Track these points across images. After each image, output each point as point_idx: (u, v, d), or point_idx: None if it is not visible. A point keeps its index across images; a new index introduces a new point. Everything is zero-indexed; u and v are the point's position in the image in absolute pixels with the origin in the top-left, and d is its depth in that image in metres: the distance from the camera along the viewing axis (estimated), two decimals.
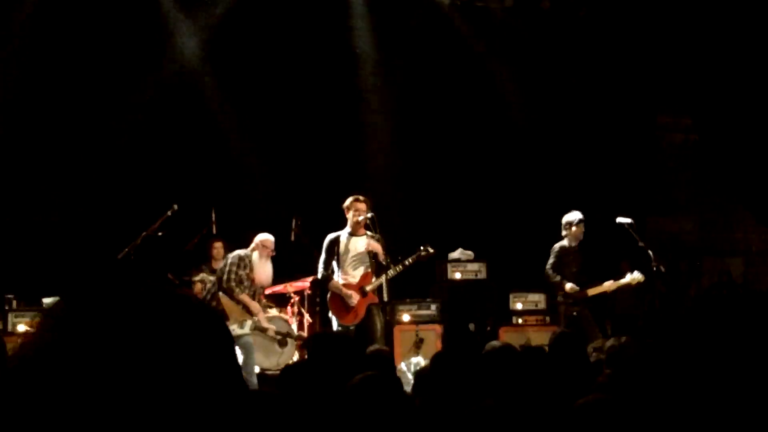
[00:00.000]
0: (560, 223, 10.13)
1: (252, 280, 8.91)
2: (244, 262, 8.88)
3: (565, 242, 10.05)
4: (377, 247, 8.91)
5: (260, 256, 8.93)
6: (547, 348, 5.76)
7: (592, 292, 9.84)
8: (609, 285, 9.90)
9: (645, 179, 14.01)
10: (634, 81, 13.38)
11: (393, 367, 6.56)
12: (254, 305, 8.86)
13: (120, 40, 11.37)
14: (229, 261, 8.89)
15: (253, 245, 8.99)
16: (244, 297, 8.81)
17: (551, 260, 10.05)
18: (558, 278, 9.96)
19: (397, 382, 3.57)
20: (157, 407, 1.05)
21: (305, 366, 4.40)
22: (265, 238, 9.05)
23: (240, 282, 8.83)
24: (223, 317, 1.23)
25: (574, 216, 10.03)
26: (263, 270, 8.97)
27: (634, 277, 9.82)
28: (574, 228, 9.96)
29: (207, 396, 1.09)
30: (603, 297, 10.27)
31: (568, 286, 9.83)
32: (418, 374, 4.88)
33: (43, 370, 1.06)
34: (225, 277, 8.82)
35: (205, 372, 1.10)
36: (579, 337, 5.44)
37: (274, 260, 9.27)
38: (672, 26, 12.77)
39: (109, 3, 11.30)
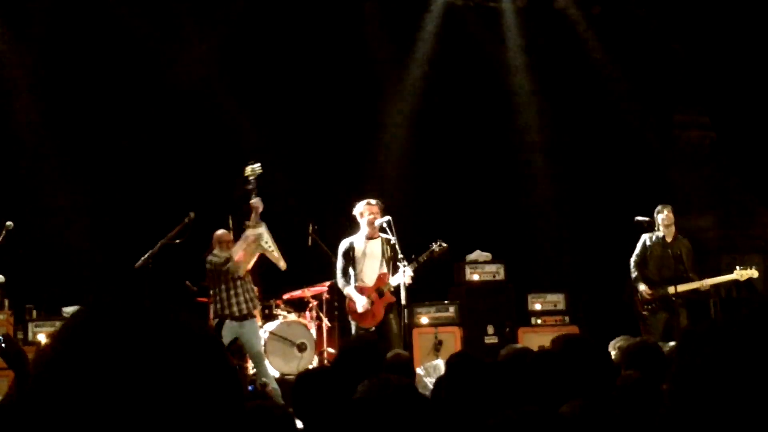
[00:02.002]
0: (577, 222, 10.08)
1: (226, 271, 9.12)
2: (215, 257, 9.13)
3: (652, 234, 9.88)
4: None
5: (222, 251, 9.08)
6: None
7: (681, 288, 9.52)
8: (705, 282, 9.60)
9: (662, 177, 13.94)
10: (651, 79, 13.33)
11: (413, 372, 6.56)
12: (240, 245, 9.03)
13: (135, 48, 11.42)
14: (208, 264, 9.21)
15: (213, 244, 9.25)
16: (237, 249, 9.00)
17: (636, 251, 9.91)
18: (635, 274, 9.79)
19: (414, 390, 3.55)
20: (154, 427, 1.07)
21: (322, 373, 4.40)
22: (217, 233, 9.29)
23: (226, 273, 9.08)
24: (221, 344, 1.24)
25: (658, 208, 9.89)
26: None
27: (746, 271, 9.50)
28: (658, 218, 9.80)
29: (203, 419, 1.11)
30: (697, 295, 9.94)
31: (641, 287, 9.67)
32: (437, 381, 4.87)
33: (50, 382, 1.10)
34: (215, 269, 9.11)
35: (201, 396, 1.12)
36: (583, 340, 5.40)
37: (291, 265, 9.31)
38: (687, 23, 12.71)
39: (122, 9, 11.35)
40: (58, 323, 9.74)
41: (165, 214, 10.07)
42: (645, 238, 9.85)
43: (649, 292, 9.58)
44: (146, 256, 9.13)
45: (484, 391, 4.13)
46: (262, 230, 9.17)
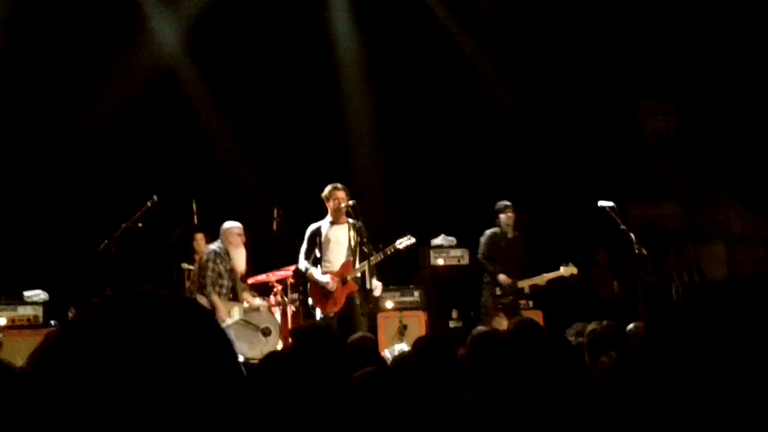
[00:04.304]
0: (541, 209, 10.16)
1: (232, 271, 8.87)
2: (221, 257, 8.84)
3: (496, 229, 10.01)
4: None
5: (235, 245, 8.90)
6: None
7: (523, 283, 9.79)
8: (542, 278, 9.86)
9: (627, 164, 14.03)
10: (615, 66, 13.39)
11: (377, 355, 6.55)
12: (223, 310, 8.81)
13: (97, 30, 11.28)
14: (204, 260, 8.88)
15: (223, 237, 8.97)
16: (215, 299, 8.78)
17: (482, 248, 10.06)
18: (491, 268, 9.93)
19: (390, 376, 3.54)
20: (163, 409, 1.06)
21: (287, 356, 4.37)
22: (233, 225, 9.05)
23: (220, 276, 8.77)
24: (212, 314, 1.28)
25: (500, 204, 10.02)
26: (240, 258, 8.95)
27: (568, 268, 9.73)
28: (501, 215, 9.94)
29: (210, 394, 1.10)
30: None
31: (502, 277, 9.80)
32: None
33: (52, 373, 1.08)
34: (202, 280, 8.81)
35: (207, 371, 1.11)
36: (536, 326, 5.44)
37: (257, 250, 9.24)
38: (652, 11, 12.77)
39: None
40: (19, 308, 9.62)
41: (127, 197, 9.96)
42: (489, 234, 10.01)
43: (510, 281, 9.72)
44: (108, 239, 9.02)
45: (453, 373, 4.14)
46: (236, 316, 9.17)
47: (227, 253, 8.89)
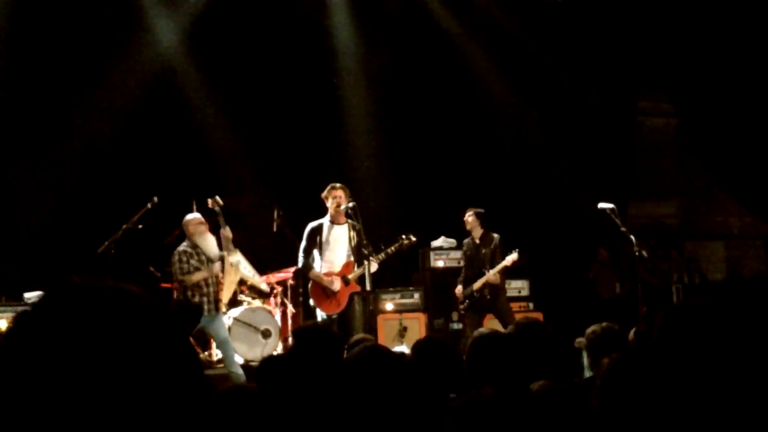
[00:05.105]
0: (540, 209, 10.14)
1: (210, 261, 8.78)
2: (187, 255, 8.68)
3: (468, 238, 10.07)
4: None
5: (200, 234, 8.79)
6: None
7: (476, 285, 9.80)
8: (489, 275, 9.82)
9: (626, 164, 14.04)
10: (615, 66, 13.39)
11: None
12: (202, 273, 8.63)
13: (97, 30, 11.28)
14: (172, 262, 8.78)
15: (186, 233, 8.85)
16: (197, 276, 8.60)
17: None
18: (459, 278, 10.06)
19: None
20: (118, 408, 1.05)
21: (285, 358, 4.37)
22: (192, 217, 8.88)
23: (197, 269, 8.70)
24: (179, 320, 1.23)
25: (468, 211, 10.01)
26: (210, 244, 8.84)
27: (510, 256, 9.72)
28: (467, 221, 9.97)
29: (167, 396, 1.09)
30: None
31: (457, 289, 9.93)
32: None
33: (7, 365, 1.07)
34: (174, 277, 8.72)
35: (165, 374, 1.10)
36: (540, 326, 5.44)
37: (257, 251, 9.24)
38: (651, 11, 12.77)
39: None
40: (19, 309, 9.58)
41: (127, 198, 9.95)
42: (465, 242, 10.08)
43: (460, 292, 9.79)
44: (108, 240, 9.00)
45: (453, 374, 4.14)
46: (239, 258, 9.12)
47: (195, 247, 8.76)
